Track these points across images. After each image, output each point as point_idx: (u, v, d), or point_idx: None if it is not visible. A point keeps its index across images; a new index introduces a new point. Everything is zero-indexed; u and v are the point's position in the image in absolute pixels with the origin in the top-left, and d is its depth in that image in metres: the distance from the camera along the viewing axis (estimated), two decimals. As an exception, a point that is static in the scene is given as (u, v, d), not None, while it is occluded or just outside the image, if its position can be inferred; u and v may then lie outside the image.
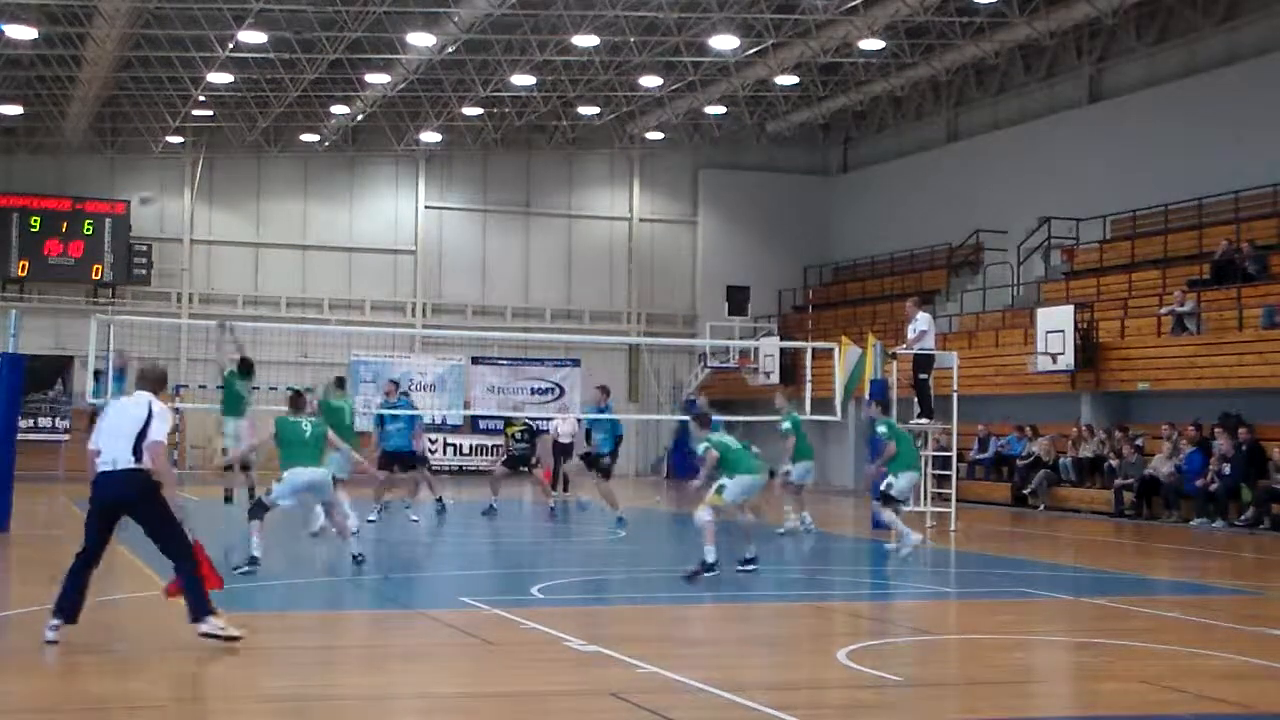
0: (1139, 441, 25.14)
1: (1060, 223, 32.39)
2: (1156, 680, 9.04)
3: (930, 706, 8.38)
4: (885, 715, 8.14)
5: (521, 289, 41.09)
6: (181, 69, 33.05)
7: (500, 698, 8.41)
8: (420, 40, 30.55)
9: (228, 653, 9.27)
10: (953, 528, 21.04)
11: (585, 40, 30.93)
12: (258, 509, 13.91)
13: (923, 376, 21.67)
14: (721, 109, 38.51)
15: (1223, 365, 24.18)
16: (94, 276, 37.27)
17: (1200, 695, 8.62)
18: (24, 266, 36.63)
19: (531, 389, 38.23)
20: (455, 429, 38.04)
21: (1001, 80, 36.01)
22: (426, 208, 40.61)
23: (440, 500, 21.06)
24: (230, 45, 30.42)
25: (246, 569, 13.19)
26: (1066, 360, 25.94)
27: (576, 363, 38.67)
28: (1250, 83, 28.85)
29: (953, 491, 22.66)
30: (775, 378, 33.68)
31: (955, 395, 22.11)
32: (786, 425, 19.44)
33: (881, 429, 17.45)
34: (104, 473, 9.60)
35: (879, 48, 32.37)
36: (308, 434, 14.10)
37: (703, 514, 13.70)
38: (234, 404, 19.20)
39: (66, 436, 33.49)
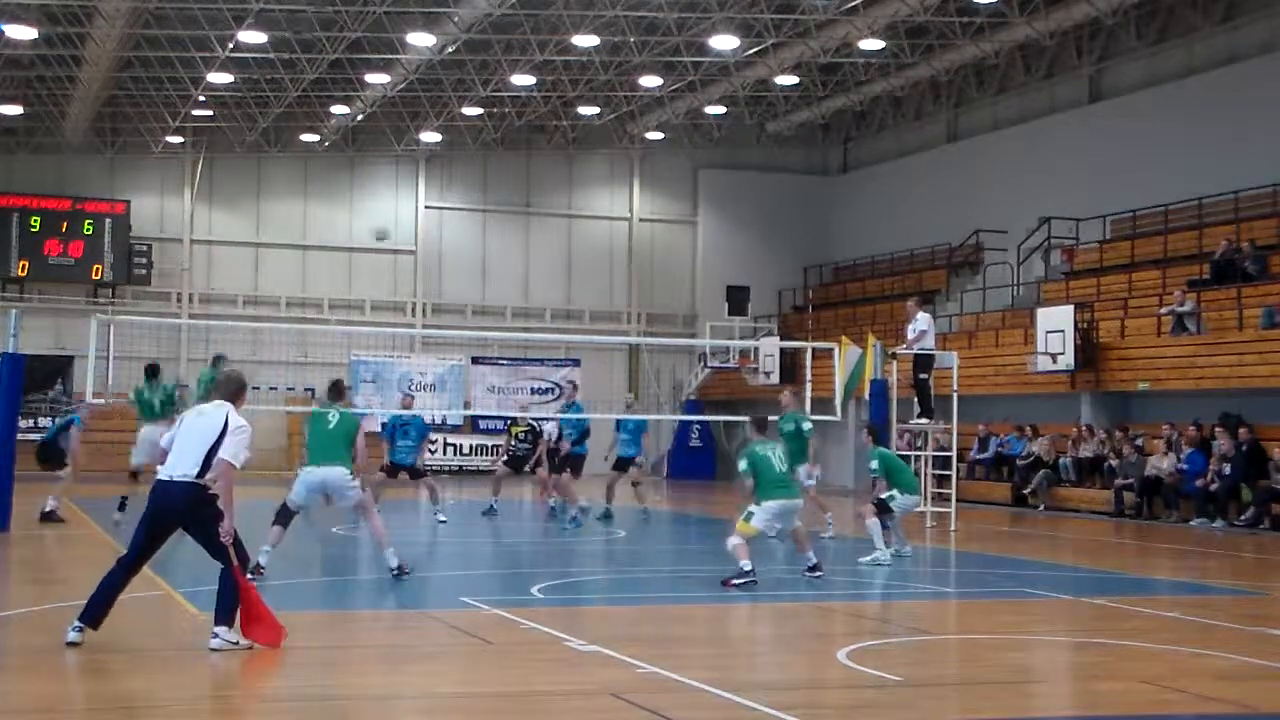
0: (1139, 441, 25.15)
1: (1060, 223, 32.39)
2: (1156, 680, 9.04)
3: (930, 706, 8.37)
4: (885, 715, 8.14)
5: (521, 289, 41.09)
6: (181, 69, 33.05)
7: (500, 698, 8.40)
8: (420, 40, 30.55)
9: (228, 653, 9.26)
10: (953, 528, 21.04)
11: (585, 40, 30.93)
12: (280, 513, 13.32)
13: (923, 376, 21.68)
14: (721, 109, 38.52)
15: (1223, 365, 24.18)
16: (94, 276, 37.27)
17: (1200, 695, 8.62)
18: (24, 266, 36.63)
19: (531, 389, 38.27)
20: (455, 429, 38.05)
21: (1001, 80, 36.01)
22: (426, 208, 40.61)
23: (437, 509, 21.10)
24: (230, 45, 30.41)
25: (251, 576, 13.02)
26: (1066, 360, 25.93)
27: (576, 363, 38.67)
28: (1250, 83, 28.86)
29: (953, 491, 22.66)
30: (775, 378, 33.68)
31: (955, 395, 22.11)
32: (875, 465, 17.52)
33: (873, 463, 16.83)
34: (160, 481, 9.39)
35: (879, 48, 32.38)
36: (331, 426, 13.27)
37: (734, 540, 13.47)
38: (143, 410, 18.99)
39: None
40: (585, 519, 20.41)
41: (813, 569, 14.05)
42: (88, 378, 19.08)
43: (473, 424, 37.87)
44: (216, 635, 9.27)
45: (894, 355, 22.28)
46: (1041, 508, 26.29)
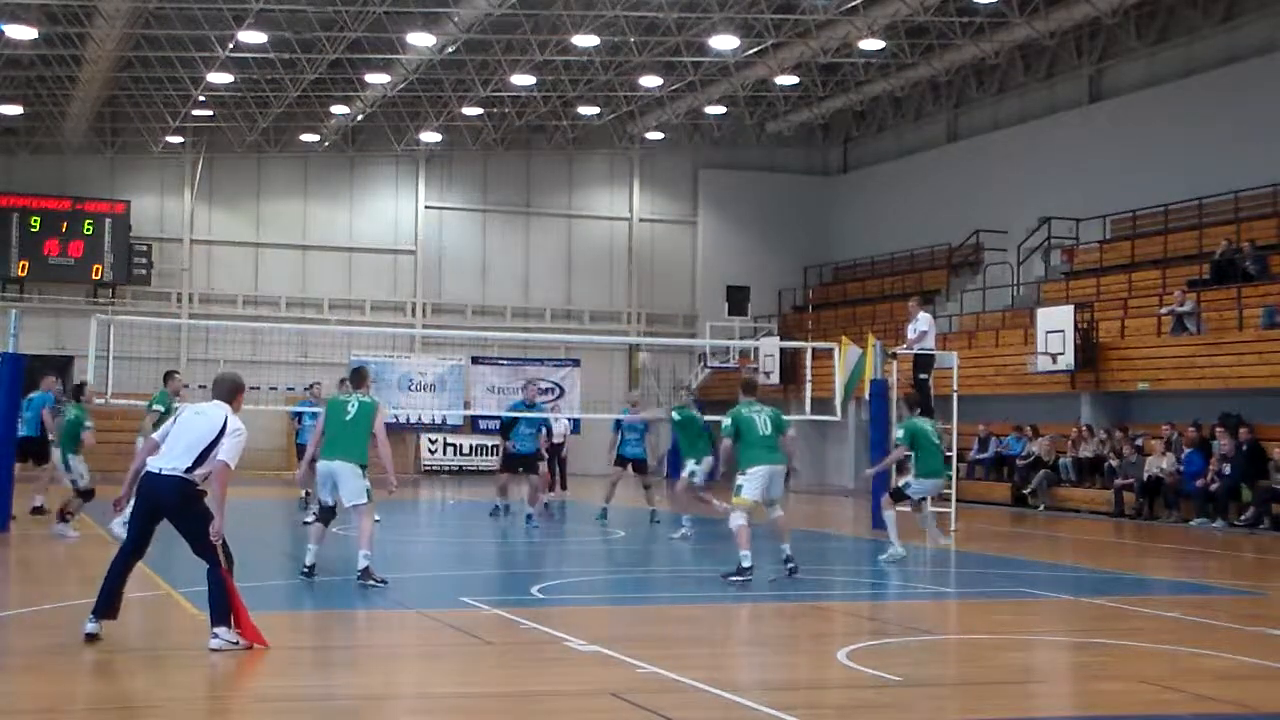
0: (1139, 441, 25.14)
1: (1060, 223, 32.39)
2: (1156, 680, 9.03)
3: (930, 706, 8.37)
4: (885, 715, 8.13)
5: (521, 289, 41.09)
6: (181, 69, 33.05)
7: (500, 698, 8.40)
8: (420, 40, 30.55)
9: (228, 653, 9.25)
10: (953, 528, 21.01)
11: (585, 40, 30.93)
12: (321, 513, 13.16)
13: (923, 376, 21.66)
14: (721, 109, 38.52)
15: (1223, 365, 24.18)
16: (94, 276, 37.27)
17: (1200, 695, 8.61)
18: (24, 266, 36.63)
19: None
20: (455, 429, 38.04)
21: (1001, 80, 36.01)
22: (426, 208, 40.61)
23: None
24: (230, 45, 30.42)
25: (303, 575, 13.07)
26: (1066, 360, 25.93)
27: (576, 363, 38.67)
28: (1250, 83, 28.86)
29: (953, 491, 22.65)
30: (775, 378, 33.70)
31: (955, 395, 22.10)
32: (900, 434, 16.84)
33: (898, 433, 16.49)
34: (149, 473, 9.39)
35: (879, 48, 32.38)
36: (349, 417, 12.82)
37: (735, 519, 13.46)
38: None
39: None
40: (541, 521, 20.26)
41: (788, 560, 14.00)
42: (88, 378, 19.10)
43: (472, 424, 37.87)
44: (216, 636, 9.26)
45: (894, 355, 22.27)
46: (1041, 508, 26.29)
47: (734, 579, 13.28)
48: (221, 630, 9.27)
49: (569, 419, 23.99)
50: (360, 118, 37.35)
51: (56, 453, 18.02)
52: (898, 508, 16.45)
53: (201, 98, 34.87)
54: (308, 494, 19.55)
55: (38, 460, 19.51)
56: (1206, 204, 28.90)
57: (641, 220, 42.01)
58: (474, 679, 8.99)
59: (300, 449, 20.60)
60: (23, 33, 29.72)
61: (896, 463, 17.49)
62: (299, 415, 20.83)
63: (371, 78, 34.08)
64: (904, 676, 9.05)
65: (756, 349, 34.73)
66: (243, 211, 39.50)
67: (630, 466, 21.90)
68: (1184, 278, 27.37)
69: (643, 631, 11.04)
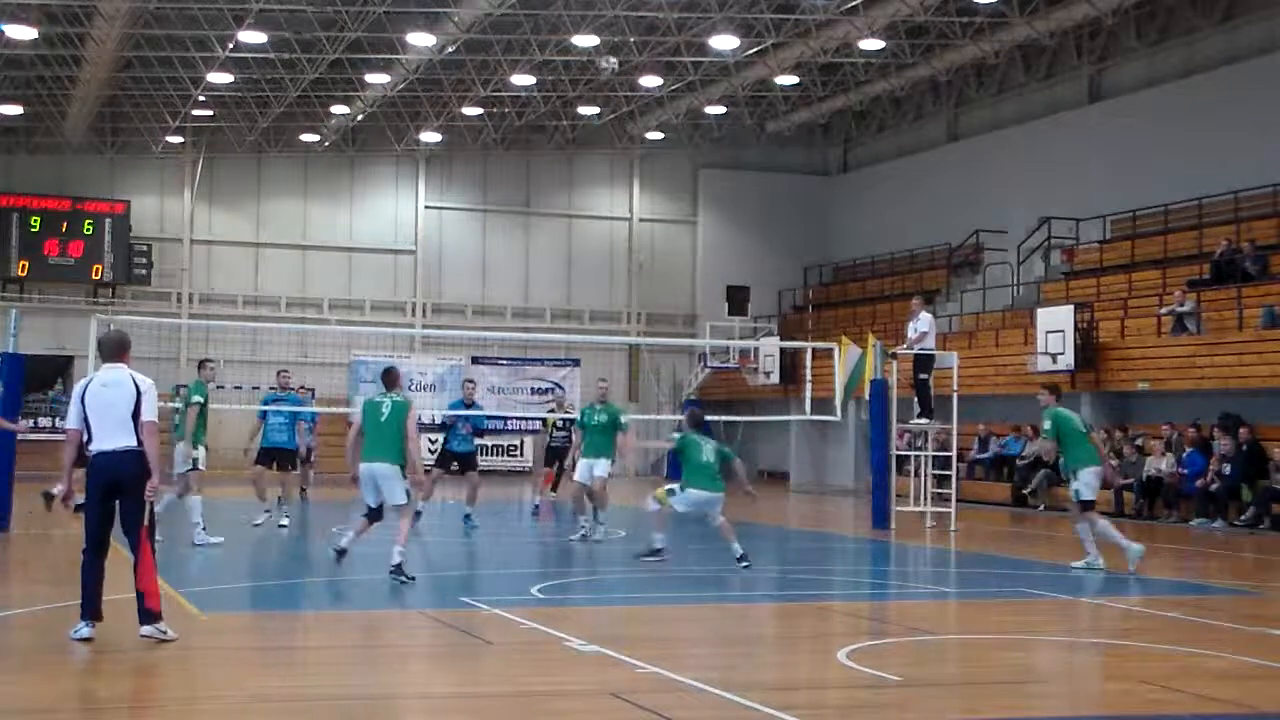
0: (1139, 441, 25.14)
1: (1060, 223, 32.39)
2: (1156, 680, 9.03)
3: (930, 706, 8.37)
4: (885, 715, 8.14)
5: (521, 289, 41.09)
6: (181, 69, 33.06)
7: (500, 698, 8.40)
8: (420, 40, 30.55)
9: (228, 653, 9.27)
10: (953, 528, 21.03)
11: (585, 40, 30.93)
12: (369, 513, 13.26)
13: (923, 376, 21.69)
14: (721, 109, 38.52)
15: (1223, 365, 24.17)
16: (94, 276, 37.28)
17: (1200, 695, 8.61)
18: (24, 266, 36.64)
19: (531, 389, 38.26)
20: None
21: (1001, 80, 36.01)
22: (426, 208, 40.62)
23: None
24: (230, 45, 30.43)
25: (337, 560, 13.38)
26: (1066, 360, 25.93)
27: (576, 363, 38.66)
28: (1250, 83, 28.85)
29: (953, 491, 22.69)
30: (775, 378, 33.72)
31: (955, 395, 22.12)
32: (1047, 425, 15.95)
33: (1046, 424, 15.58)
34: (103, 453, 9.40)
35: (879, 48, 32.38)
36: (383, 419, 12.97)
37: (652, 503, 14.67)
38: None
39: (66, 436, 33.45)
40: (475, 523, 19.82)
41: (741, 559, 14.52)
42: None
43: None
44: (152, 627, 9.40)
45: (894, 355, 22.29)
46: (1041, 508, 26.29)
47: (647, 558, 14.52)
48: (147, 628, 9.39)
49: (569, 420, 23.70)
50: (360, 118, 37.35)
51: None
52: (1089, 516, 15.33)
53: (201, 98, 34.88)
54: (262, 495, 19.24)
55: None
56: (1206, 204, 28.89)
57: (641, 220, 42.01)
58: (474, 679, 8.99)
59: (266, 452, 19.59)
60: (23, 33, 29.73)
61: (1051, 462, 16.71)
62: (265, 412, 20.22)
63: (371, 78, 34.09)
64: (904, 676, 9.06)
65: (756, 349, 34.74)
66: (243, 211, 39.51)
67: (457, 463, 20.58)
68: (1184, 278, 27.36)
69: (643, 631, 11.04)
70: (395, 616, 11.75)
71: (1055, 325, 26.20)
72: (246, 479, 20.33)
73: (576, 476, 18.02)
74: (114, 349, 9.75)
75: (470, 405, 21.32)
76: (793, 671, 9.63)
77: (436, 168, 40.83)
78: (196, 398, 16.73)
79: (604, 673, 8.95)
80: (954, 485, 22.87)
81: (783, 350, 32.69)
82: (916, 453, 22.71)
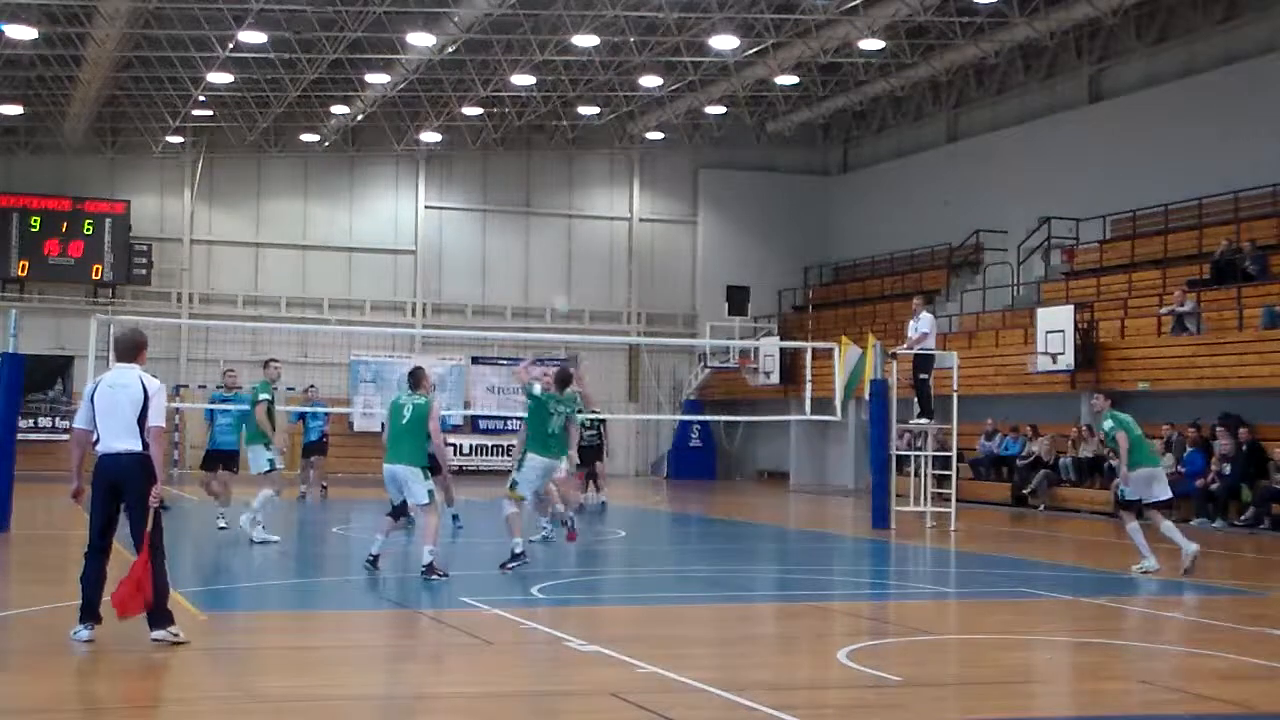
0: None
1: (1060, 223, 32.39)
2: (1156, 680, 9.04)
3: (930, 706, 8.37)
4: (885, 715, 8.14)
5: (521, 289, 41.09)
6: (181, 69, 33.06)
7: (500, 698, 8.40)
8: (420, 40, 30.55)
9: (228, 653, 9.27)
10: (953, 528, 21.03)
11: (585, 40, 30.93)
12: (394, 511, 13.49)
13: (923, 376, 21.69)
14: (721, 109, 38.51)
15: (1223, 365, 24.18)
16: (94, 276, 37.27)
17: (1200, 695, 8.62)
18: (24, 266, 36.63)
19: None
20: (456, 429, 38.04)
21: (1001, 80, 36.01)
22: (426, 208, 40.62)
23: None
24: (230, 45, 30.42)
25: (367, 568, 13.43)
26: (1066, 360, 25.94)
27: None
28: (1250, 83, 28.86)
29: (953, 491, 22.68)
30: (775, 378, 33.73)
31: (955, 395, 22.12)
32: (1108, 425, 15.60)
33: (1107, 424, 15.35)
34: (108, 454, 9.41)
35: (879, 48, 32.37)
36: (405, 420, 13.21)
37: (508, 508, 14.06)
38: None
39: (67, 436, 33.46)
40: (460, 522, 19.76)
41: (514, 558, 14.13)
42: (88, 378, 19.06)
43: (473, 424, 37.88)
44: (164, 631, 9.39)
45: (894, 355, 22.29)
46: (1041, 508, 26.29)
47: (511, 566, 13.88)
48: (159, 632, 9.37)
49: (598, 419, 23.33)
50: (360, 118, 37.35)
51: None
52: (1137, 519, 15.18)
53: (201, 98, 34.87)
54: (217, 496, 18.95)
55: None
56: (1206, 204, 28.90)
57: (641, 220, 42.01)
58: (474, 679, 8.99)
59: (211, 456, 19.27)
60: (23, 33, 29.72)
61: (1110, 447, 16.28)
62: (211, 414, 19.87)
63: (371, 78, 34.08)
64: (904, 676, 9.06)
65: (756, 349, 34.75)
66: (243, 211, 39.51)
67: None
68: (1184, 278, 27.36)
69: (643, 631, 11.04)
70: (396, 616, 11.76)
71: (1055, 325, 26.21)
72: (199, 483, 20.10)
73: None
74: (127, 349, 9.73)
75: None
76: (793, 672, 9.63)
77: (436, 168, 40.83)
78: (264, 396, 16.85)
79: (604, 673, 8.95)
80: (954, 485, 22.86)
81: (783, 350, 32.70)
82: (916, 453, 22.72)
